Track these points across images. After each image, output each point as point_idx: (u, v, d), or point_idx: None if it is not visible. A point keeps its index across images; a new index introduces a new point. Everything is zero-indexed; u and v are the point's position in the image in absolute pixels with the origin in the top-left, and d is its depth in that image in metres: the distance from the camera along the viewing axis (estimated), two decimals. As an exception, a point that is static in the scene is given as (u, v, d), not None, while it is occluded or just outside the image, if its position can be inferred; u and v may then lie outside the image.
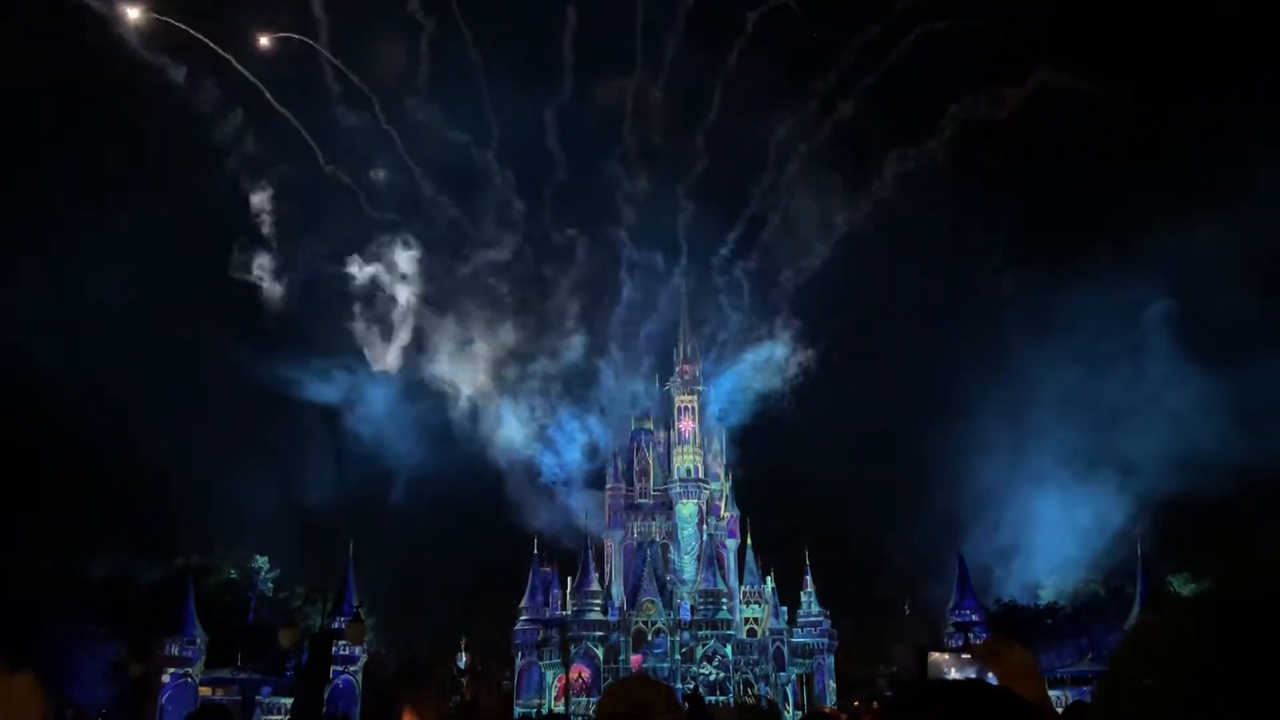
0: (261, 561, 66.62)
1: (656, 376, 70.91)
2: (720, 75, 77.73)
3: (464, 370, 77.94)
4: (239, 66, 69.70)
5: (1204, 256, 70.05)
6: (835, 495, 76.20)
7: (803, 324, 76.86)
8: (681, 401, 67.94)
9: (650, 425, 68.75)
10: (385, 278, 78.07)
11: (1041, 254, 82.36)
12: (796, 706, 60.68)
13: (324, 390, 74.63)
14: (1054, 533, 69.49)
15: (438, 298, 79.66)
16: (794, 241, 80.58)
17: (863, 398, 80.00)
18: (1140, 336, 72.21)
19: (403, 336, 77.87)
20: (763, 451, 73.15)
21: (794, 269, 78.33)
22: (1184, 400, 67.14)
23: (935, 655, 5.34)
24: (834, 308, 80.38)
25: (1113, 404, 71.99)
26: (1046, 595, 70.53)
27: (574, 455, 72.00)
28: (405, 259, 77.87)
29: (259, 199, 74.48)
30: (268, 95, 72.00)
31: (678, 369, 69.37)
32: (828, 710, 48.66)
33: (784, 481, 76.62)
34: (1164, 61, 76.33)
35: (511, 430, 74.57)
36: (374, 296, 78.24)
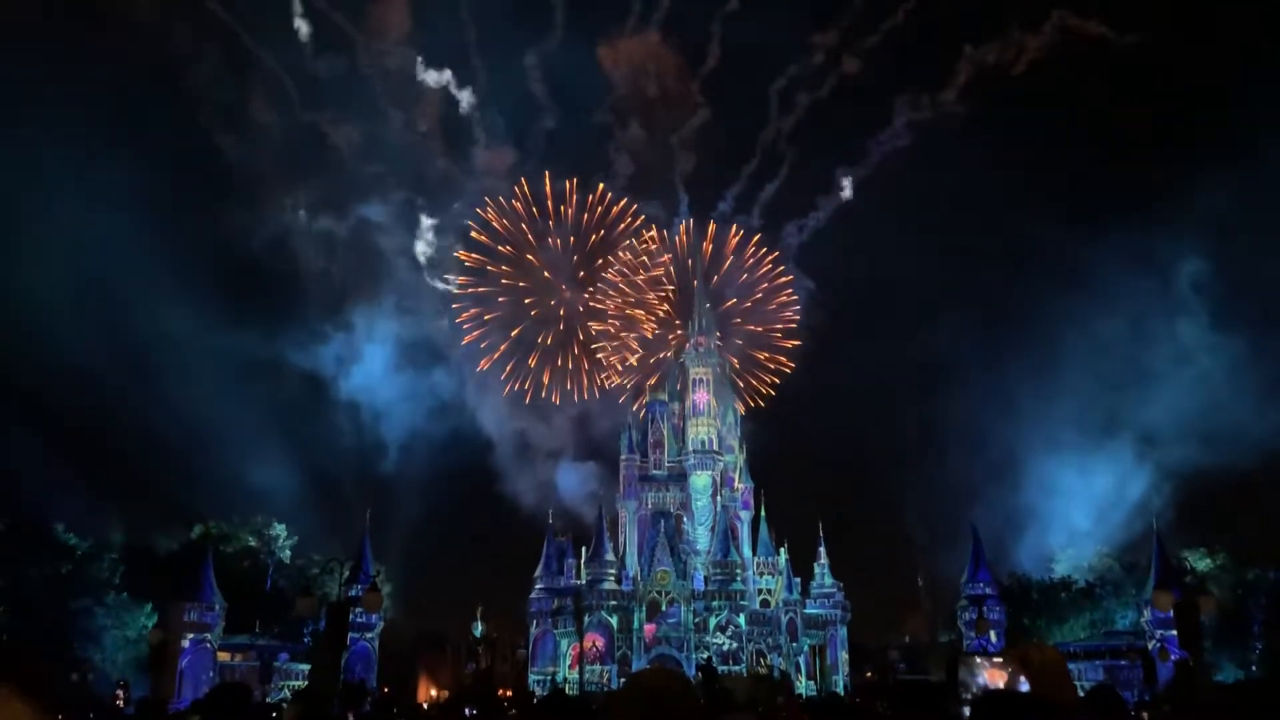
0: (279, 529, 67.14)
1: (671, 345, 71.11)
2: (720, 21, 77.13)
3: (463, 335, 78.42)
4: (214, 8, 69.31)
5: (1238, 215, 68.61)
6: (849, 466, 76.28)
7: (814, 285, 76.55)
8: (696, 374, 67.81)
9: (665, 397, 68.71)
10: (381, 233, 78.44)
11: (1063, 209, 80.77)
12: (809, 677, 61.01)
13: (324, 357, 75.08)
14: (1070, 503, 69.26)
15: (434, 257, 79.79)
16: (800, 197, 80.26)
17: (875, 361, 79.65)
18: (1169, 298, 71.01)
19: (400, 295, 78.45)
20: (777, 422, 73.20)
21: (799, 225, 78.02)
22: (1211, 367, 66.37)
23: (966, 659, 5.30)
24: (844, 267, 79.90)
25: (1135, 369, 71.10)
26: (1061, 569, 70.45)
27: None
28: (391, 214, 78.44)
29: (234, 148, 73.97)
30: (245, 39, 71.31)
31: (693, 340, 69.18)
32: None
33: (798, 453, 76.77)
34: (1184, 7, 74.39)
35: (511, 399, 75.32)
36: (366, 250, 78.38)
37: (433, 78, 78.96)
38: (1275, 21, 72.58)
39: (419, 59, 78.48)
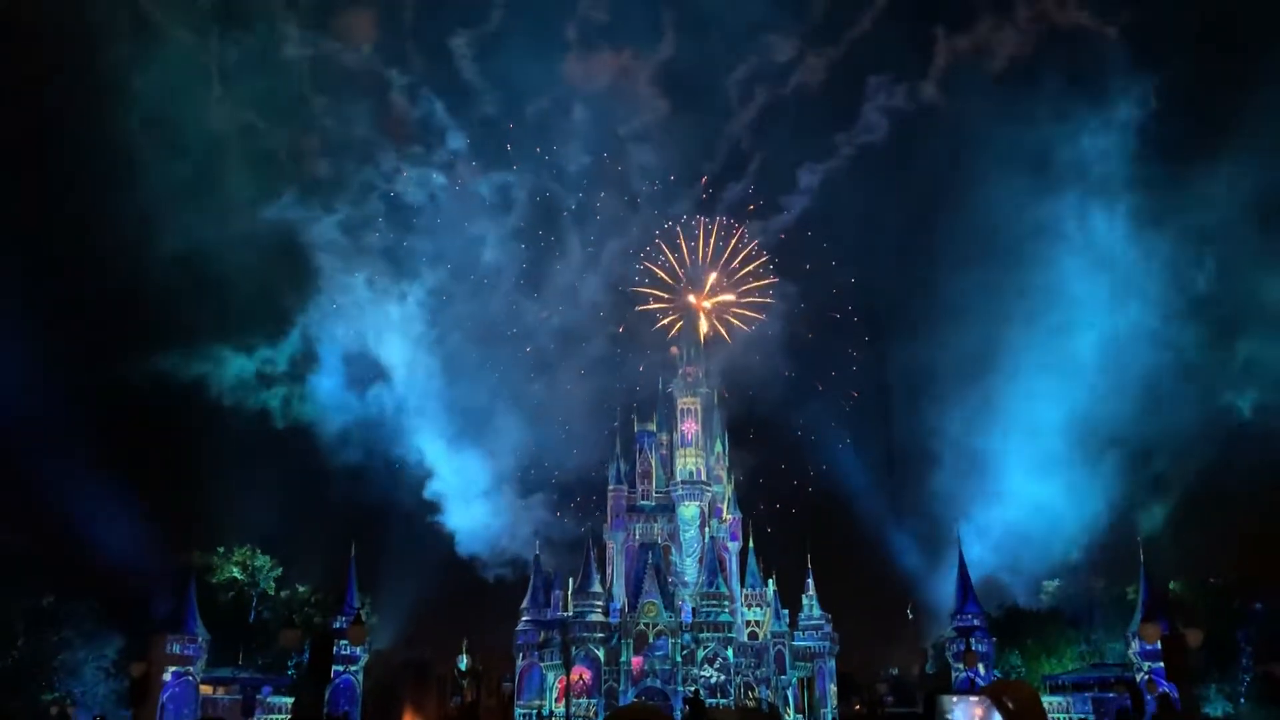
0: (263, 560, 66.60)
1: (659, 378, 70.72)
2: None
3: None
4: None
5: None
6: (836, 494, 75.85)
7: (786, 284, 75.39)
8: (684, 404, 67.84)
9: (653, 427, 68.62)
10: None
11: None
12: (798, 710, 60.67)
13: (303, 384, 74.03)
14: (1058, 530, 69.16)
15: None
16: (765, 195, 79.18)
17: (855, 373, 78.74)
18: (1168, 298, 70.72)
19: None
20: (763, 450, 72.66)
21: (764, 225, 77.18)
22: (1210, 376, 66.53)
23: (944, 698, 5.32)
24: (816, 274, 78.70)
25: (1129, 381, 70.91)
26: (1049, 599, 70.45)
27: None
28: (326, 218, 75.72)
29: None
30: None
31: (681, 370, 69.28)
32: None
33: (785, 483, 76.37)
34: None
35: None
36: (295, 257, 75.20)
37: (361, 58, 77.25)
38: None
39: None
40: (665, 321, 74.51)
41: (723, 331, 73.64)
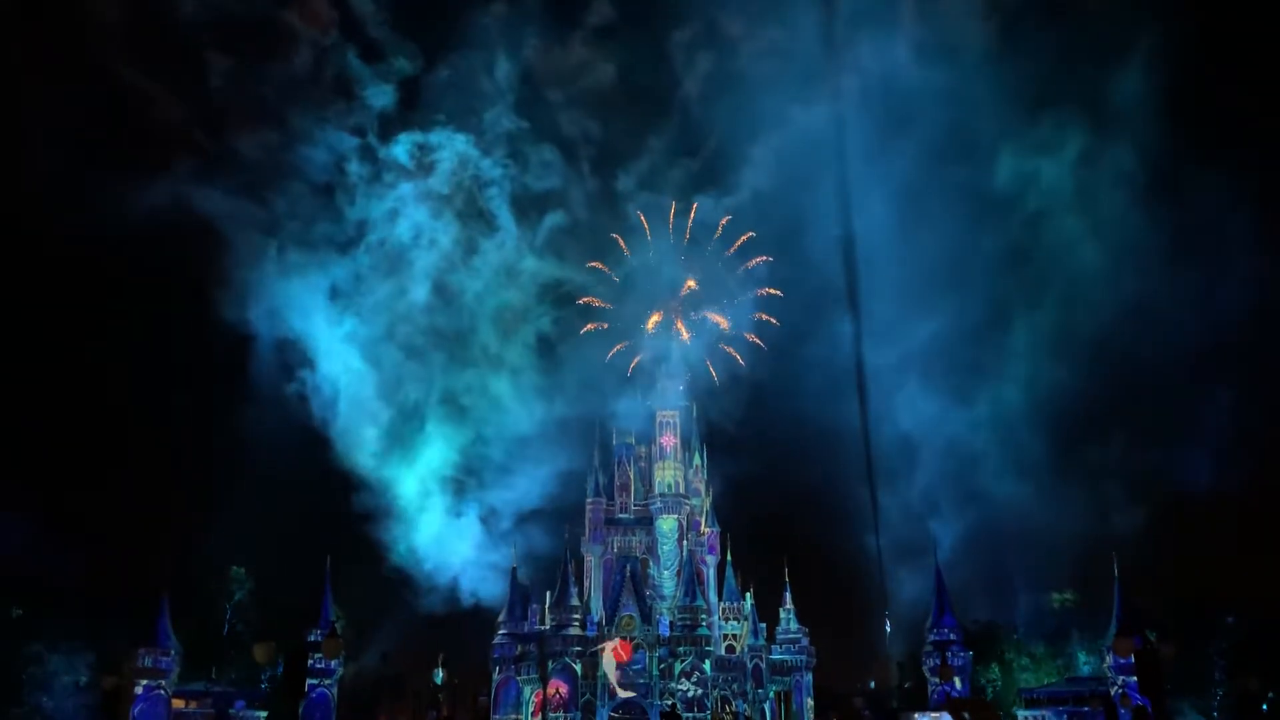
0: (237, 572, 65.90)
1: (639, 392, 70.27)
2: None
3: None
4: None
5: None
6: (812, 506, 75.49)
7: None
8: (663, 416, 67.83)
9: (632, 440, 68.53)
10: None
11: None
12: (775, 724, 60.63)
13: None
14: (1033, 545, 69.39)
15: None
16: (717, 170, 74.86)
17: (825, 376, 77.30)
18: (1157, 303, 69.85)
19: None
20: (741, 463, 71.81)
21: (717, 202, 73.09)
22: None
23: (907, 714, 5.37)
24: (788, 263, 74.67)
25: (1110, 395, 71.18)
26: (1025, 613, 70.70)
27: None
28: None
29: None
30: None
31: (660, 384, 69.28)
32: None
33: (763, 498, 76.11)
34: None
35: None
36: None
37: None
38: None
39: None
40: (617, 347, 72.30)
41: (684, 333, 72.77)
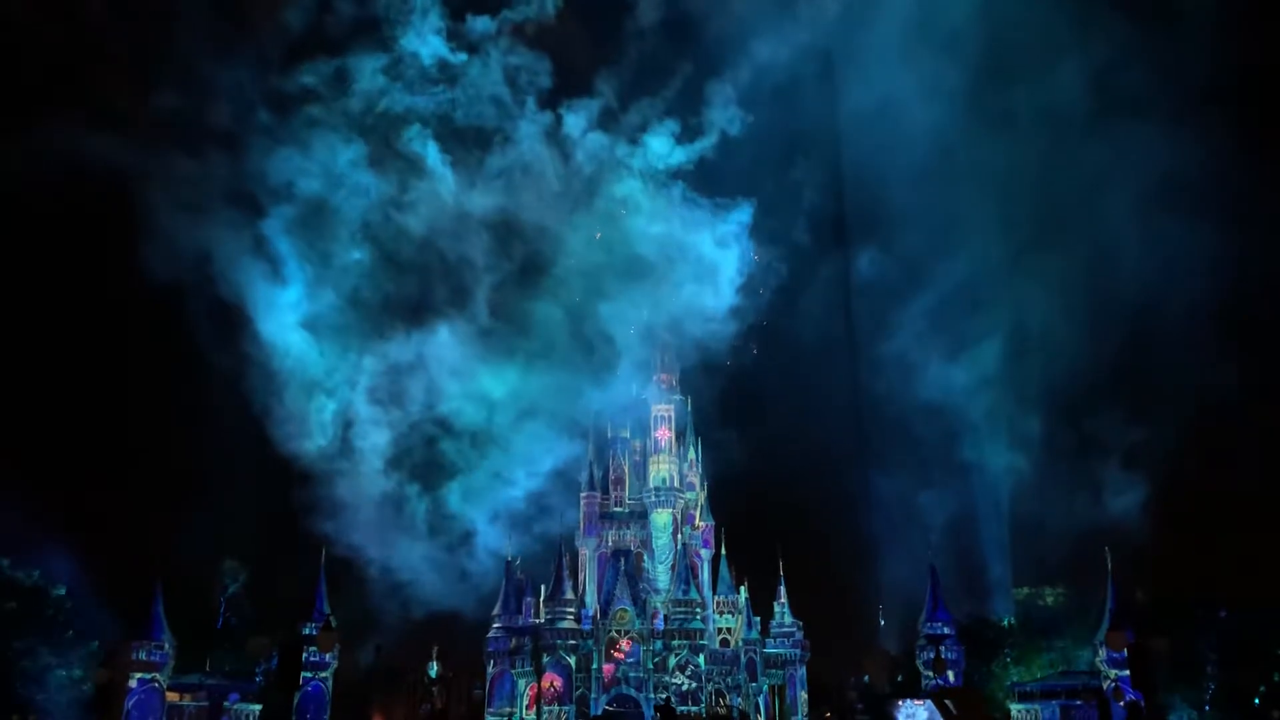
0: (231, 565, 65.90)
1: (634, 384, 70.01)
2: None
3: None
4: None
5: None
6: (809, 498, 75.46)
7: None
8: (658, 410, 67.73)
9: (626, 433, 68.48)
10: None
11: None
12: (769, 717, 60.77)
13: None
14: (1027, 537, 69.60)
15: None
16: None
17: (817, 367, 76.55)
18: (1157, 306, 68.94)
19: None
20: (736, 455, 71.69)
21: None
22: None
23: (892, 701, 5.40)
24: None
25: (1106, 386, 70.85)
26: (1020, 606, 70.93)
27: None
28: None
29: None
30: None
31: (655, 377, 69.06)
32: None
33: (757, 490, 76.10)
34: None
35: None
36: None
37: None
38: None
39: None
40: None
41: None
